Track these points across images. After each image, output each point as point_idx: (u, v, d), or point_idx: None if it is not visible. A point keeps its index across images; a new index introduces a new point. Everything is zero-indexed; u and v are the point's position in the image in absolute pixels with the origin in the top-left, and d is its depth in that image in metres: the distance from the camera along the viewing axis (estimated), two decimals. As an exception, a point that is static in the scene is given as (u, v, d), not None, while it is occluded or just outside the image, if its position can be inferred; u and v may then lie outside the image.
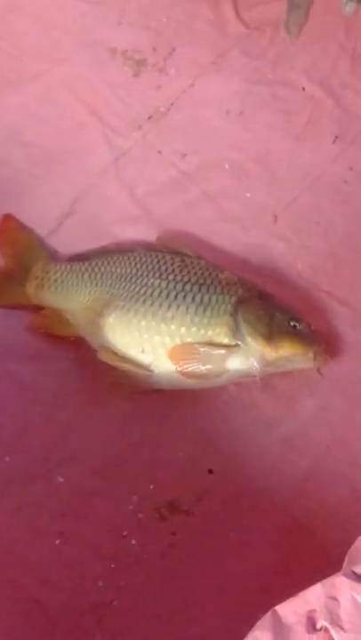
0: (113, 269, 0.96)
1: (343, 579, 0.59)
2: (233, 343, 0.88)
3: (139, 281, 0.94)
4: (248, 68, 1.16)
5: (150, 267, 0.95)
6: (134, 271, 0.95)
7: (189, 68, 1.16)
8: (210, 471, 0.88)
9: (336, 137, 1.10)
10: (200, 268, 0.94)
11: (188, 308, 0.90)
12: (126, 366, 0.90)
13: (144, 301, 0.91)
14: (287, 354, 0.88)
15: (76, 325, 0.96)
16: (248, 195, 1.07)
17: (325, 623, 0.57)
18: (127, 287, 0.94)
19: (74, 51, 1.17)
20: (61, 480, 0.88)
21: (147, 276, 0.94)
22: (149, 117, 1.12)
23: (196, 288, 0.92)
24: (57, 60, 1.16)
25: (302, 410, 0.92)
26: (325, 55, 1.16)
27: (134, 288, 0.93)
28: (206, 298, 0.91)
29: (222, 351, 0.88)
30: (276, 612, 0.59)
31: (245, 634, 0.59)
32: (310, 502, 0.86)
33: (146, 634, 0.80)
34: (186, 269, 0.94)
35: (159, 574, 0.83)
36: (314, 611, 0.58)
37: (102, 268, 0.97)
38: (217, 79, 1.15)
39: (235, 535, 0.85)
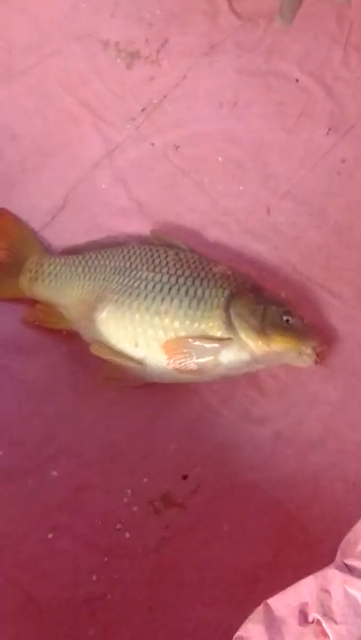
0: (106, 263, 0.96)
1: (335, 571, 0.59)
2: (226, 337, 0.88)
3: (132, 274, 0.93)
4: (241, 60, 1.15)
5: (144, 260, 0.95)
6: (128, 264, 0.95)
7: (182, 60, 1.15)
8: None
9: (329, 129, 1.09)
10: (193, 262, 0.94)
11: (181, 301, 0.90)
12: (119, 360, 0.90)
13: (137, 295, 0.91)
14: (279, 348, 0.88)
15: (69, 319, 0.96)
16: (241, 187, 1.06)
17: (317, 615, 0.57)
18: (121, 281, 0.93)
19: (65, 44, 1.16)
20: (54, 474, 0.89)
21: (140, 269, 0.94)
22: (142, 110, 1.12)
23: (189, 281, 0.91)
24: (47, 54, 1.15)
25: (294, 402, 0.92)
26: (318, 46, 1.14)
27: (128, 281, 0.93)
28: (200, 291, 0.91)
29: (215, 345, 0.88)
30: (268, 605, 0.59)
31: (238, 627, 0.59)
32: (303, 495, 0.87)
33: (139, 627, 0.80)
34: (179, 263, 0.94)
35: (153, 567, 0.83)
36: (306, 603, 0.58)
37: (96, 262, 0.97)
38: (210, 71, 1.14)
39: (228, 528, 0.85)
